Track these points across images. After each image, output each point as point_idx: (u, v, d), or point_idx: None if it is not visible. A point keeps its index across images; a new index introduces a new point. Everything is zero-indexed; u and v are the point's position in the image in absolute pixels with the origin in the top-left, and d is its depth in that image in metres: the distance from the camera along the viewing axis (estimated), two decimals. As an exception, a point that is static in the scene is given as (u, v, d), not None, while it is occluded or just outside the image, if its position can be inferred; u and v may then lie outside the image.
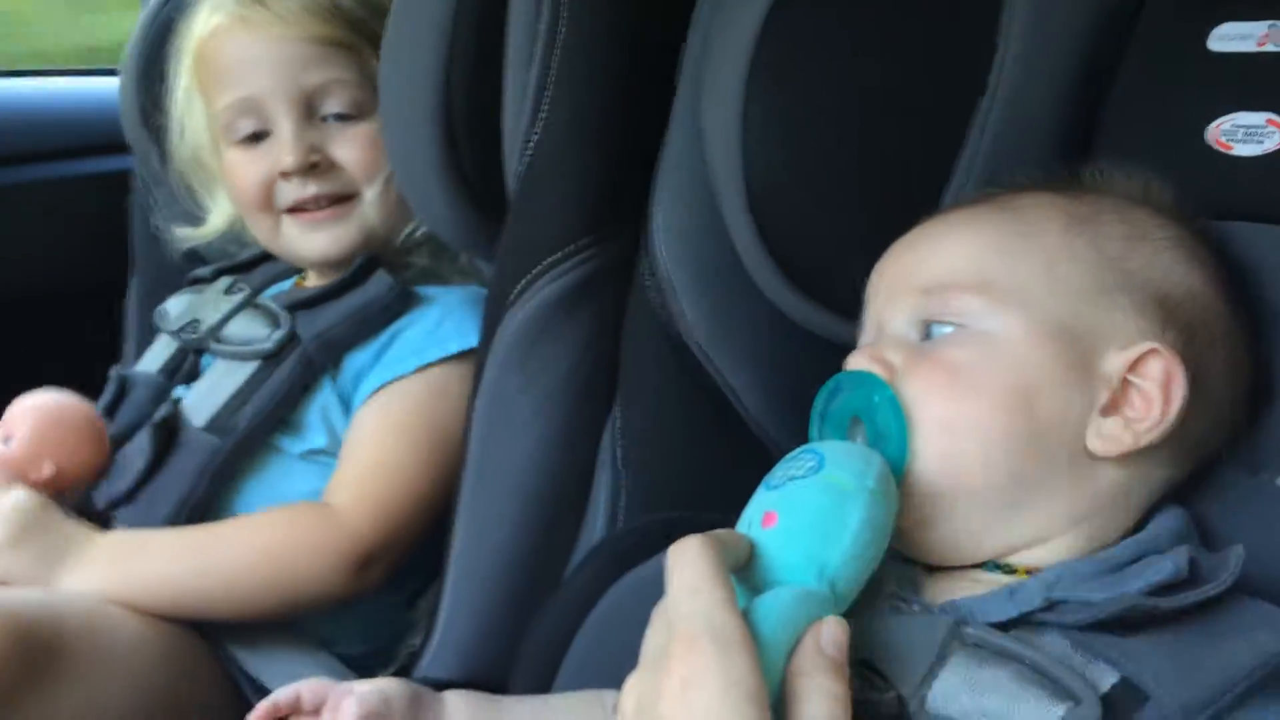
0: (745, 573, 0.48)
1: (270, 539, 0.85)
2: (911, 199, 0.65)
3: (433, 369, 0.90)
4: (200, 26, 0.97)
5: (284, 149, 0.92)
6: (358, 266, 0.94)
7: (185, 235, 1.07)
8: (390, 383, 0.90)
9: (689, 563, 0.44)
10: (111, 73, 1.26)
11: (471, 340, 0.90)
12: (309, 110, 0.93)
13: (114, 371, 0.97)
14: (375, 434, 0.90)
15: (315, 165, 0.93)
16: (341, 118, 0.93)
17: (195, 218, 1.07)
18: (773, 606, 0.45)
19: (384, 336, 0.92)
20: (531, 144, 0.77)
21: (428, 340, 0.91)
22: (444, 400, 0.89)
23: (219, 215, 1.04)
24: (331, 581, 0.84)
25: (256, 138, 0.95)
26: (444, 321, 0.92)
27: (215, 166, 1.01)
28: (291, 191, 0.94)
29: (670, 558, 0.45)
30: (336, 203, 0.94)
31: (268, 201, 0.95)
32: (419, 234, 0.97)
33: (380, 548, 0.85)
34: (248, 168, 0.95)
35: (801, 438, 0.57)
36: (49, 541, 0.82)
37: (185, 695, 0.82)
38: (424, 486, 0.88)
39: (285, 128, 0.92)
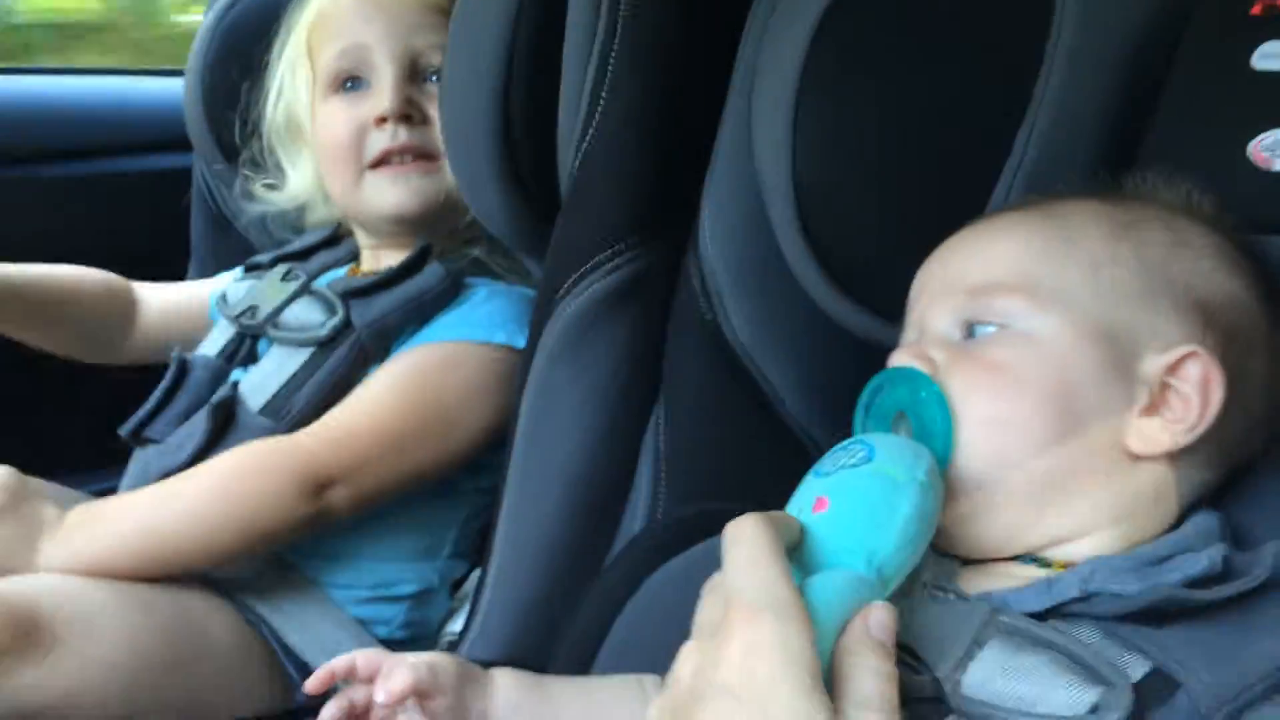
0: (795, 554, 0.48)
1: (224, 471, 0.85)
2: (957, 205, 0.66)
3: (450, 344, 0.92)
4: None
5: (383, 94, 0.97)
6: (412, 257, 0.96)
7: (264, 197, 1.10)
8: (406, 352, 0.93)
9: (747, 538, 0.45)
10: (176, 73, 1.31)
11: (497, 335, 0.92)
12: (412, 69, 0.98)
13: (175, 354, 1.00)
14: (365, 385, 0.91)
15: (409, 117, 0.97)
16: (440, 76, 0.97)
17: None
18: (826, 587, 0.46)
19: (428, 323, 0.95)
20: (585, 144, 0.79)
21: (456, 322, 0.94)
22: (449, 372, 0.91)
23: (299, 180, 1.08)
24: (286, 503, 0.84)
25: (356, 85, 0.99)
26: (477, 309, 0.95)
27: (307, 126, 1.04)
28: (382, 140, 0.97)
29: (727, 534, 0.46)
30: (422, 159, 0.98)
31: (356, 153, 0.98)
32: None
33: (337, 470, 0.85)
34: (342, 116, 0.99)
35: (841, 436, 0.58)
36: (23, 522, 0.82)
37: (206, 657, 0.83)
38: (394, 428, 0.88)
39: (387, 76, 0.97)
